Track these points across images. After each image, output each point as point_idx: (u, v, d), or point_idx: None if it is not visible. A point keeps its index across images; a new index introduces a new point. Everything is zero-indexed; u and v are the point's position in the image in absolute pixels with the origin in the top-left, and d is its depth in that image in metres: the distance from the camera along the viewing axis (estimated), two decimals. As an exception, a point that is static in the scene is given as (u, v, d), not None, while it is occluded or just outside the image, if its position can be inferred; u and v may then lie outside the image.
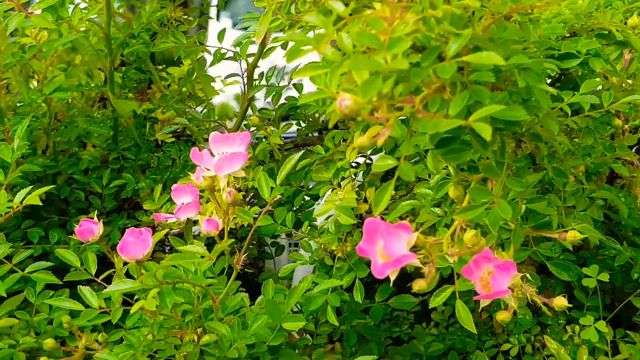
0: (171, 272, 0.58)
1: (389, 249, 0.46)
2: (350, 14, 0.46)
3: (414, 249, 0.46)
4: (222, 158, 0.59)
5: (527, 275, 0.63)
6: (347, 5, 0.46)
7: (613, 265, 0.77)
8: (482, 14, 0.48)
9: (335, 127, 0.70)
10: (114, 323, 0.69)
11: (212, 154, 0.60)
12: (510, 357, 0.75)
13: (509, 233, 0.54)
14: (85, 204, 0.83)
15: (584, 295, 0.78)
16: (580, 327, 0.74)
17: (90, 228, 0.64)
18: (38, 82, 0.86)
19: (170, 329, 0.62)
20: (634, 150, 0.74)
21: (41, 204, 0.71)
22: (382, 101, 0.38)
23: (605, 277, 0.74)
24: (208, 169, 0.59)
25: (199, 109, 0.98)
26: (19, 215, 0.84)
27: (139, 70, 0.83)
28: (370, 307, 0.87)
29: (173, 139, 0.91)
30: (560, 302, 0.55)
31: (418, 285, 0.51)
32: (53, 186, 0.75)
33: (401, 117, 0.42)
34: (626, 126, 0.69)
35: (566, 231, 0.54)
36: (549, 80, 0.64)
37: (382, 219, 0.44)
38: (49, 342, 0.67)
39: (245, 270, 0.88)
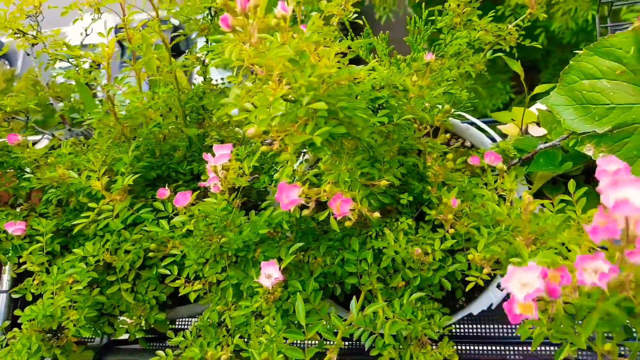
0: (203, 210, 0.61)
1: (288, 196, 0.47)
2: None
3: (303, 195, 0.52)
4: (217, 157, 0.66)
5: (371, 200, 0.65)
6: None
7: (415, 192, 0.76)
8: (326, 82, 0.53)
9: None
10: (175, 237, 0.74)
11: (214, 155, 0.67)
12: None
13: (358, 184, 0.56)
14: (176, 178, 0.91)
15: (401, 207, 0.75)
16: (399, 223, 0.72)
17: (185, 196, 0.69)
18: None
19: (206, 236, 0.61)
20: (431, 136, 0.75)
21: (132, 183, 0.75)
22: (273, 129, 0.45)
23: (410, 198, 0.73)
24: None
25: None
26: (142, 183, 0.88)
27: (197, 114, 0.85)
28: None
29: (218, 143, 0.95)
30: (377, 214, 0.53)
31: (305, 212, 0.59)
32: (138, 175, 0.79)
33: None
34: (421, 126, 0.70)
35: (381, 179, 0.56)
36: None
37: (288, 182, 0.50)
38: (152, 246, 0.66)
39: (258, 203, 0.92)
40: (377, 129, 0.64)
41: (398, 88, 0.61)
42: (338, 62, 0.55)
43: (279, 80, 0.50)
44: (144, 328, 0.86)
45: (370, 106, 0.65)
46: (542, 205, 0.65)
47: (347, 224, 0.59)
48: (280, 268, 0.66)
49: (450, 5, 0.83)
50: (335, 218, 0.61)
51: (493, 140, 0.93)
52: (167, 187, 0.70)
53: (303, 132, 0.50)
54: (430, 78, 0.83)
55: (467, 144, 1.00)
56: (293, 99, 0.52)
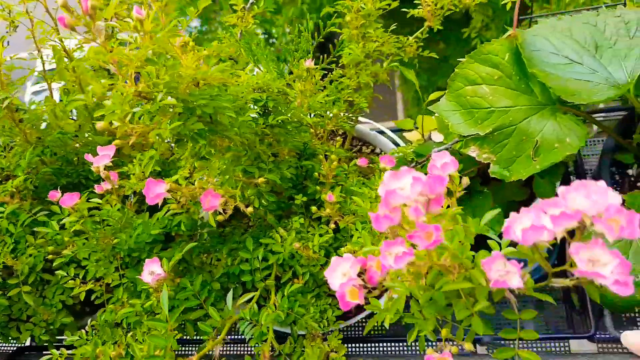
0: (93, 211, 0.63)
1: (153, 191, 0.49)
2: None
3: (171, 191, 0.53)
4: (98, 158, 0.66)
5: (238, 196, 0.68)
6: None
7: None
8: (185, 81, 0.54)
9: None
10: (66, 240, 0.73)
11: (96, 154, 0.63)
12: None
13: (232, 181, 0.57)
14: (87, 184, 0.90)
15: (297, 206, 0.76)
16: (292, 222, 0.74)
17: (72, 197, 0.68)
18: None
19: (100, 238, 0.61)
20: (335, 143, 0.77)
21: (33, 187, 0.79)
22: (123, 123, 0.46)
23: (304, 199, 0.74)
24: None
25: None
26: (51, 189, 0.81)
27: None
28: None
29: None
30: (250, 209, 0.54)
31: (171, 208, 0.62)
32: (24, 178, 0.72)
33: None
34: (320, 129, 0.71)
35: (261, 177, 0.58)
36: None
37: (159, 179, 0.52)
38: (49, 249, 0.64)
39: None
40: (259, 130, 0.66)
41: (273, 91, 0.64)
42: (199, 64, 0.58)
43: (135, 78, 0.53)
44: (53, 332, 0.86)
45: (255, 108, 0.67)
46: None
47: (219, 218, 0.61)
48: (169, 265, 0.67)
49: (347, 18, 0.87)
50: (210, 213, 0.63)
51: (398, 146, 0.97)
52: (58, 190, 0.70)
53: (159, 127, 0.53)
54: (330, 87, 0.87)
55: (378, 150, 1.04)
56: (150, 97, 0.55)
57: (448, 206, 0.60)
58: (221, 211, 0.61)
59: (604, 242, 0.39)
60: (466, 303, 0.47)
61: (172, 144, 0.59)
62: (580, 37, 0.79)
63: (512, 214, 0.41)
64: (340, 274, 0.45)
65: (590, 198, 0.37)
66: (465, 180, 0.55)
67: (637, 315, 0.90)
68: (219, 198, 0.60)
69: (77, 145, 0.96)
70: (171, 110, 0.52)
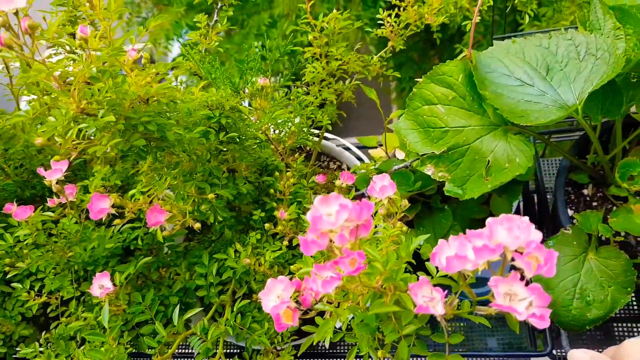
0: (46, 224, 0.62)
1: (97, 206, 0.49)
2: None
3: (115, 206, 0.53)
4: (51, 172, 0.64)
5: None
6: None
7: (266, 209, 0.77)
8: (131, 98, 0.54)
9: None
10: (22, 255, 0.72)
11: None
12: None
13: (180, 196, 0.56)
14: (50, 197, 0.87)
15: (255, 222, 0.75)
16: (249, 238, 0.71)
17: (25, 210, 0.67)
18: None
19: (56, 251, 0.61)
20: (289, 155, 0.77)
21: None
22: (64, 140, 0.45)
23: (262, 214, 0.74)
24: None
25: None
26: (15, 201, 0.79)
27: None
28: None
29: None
30: (198, 225, 0.54)
31: (115, 223, 0.56)
32: None
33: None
34: (280, 146, 0.71)
35: (212, 193, 0.57)
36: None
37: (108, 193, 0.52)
38: (7, 261, 0.64)
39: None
40: (212, 146, 0.66)
41: (226, 108, 0.64)
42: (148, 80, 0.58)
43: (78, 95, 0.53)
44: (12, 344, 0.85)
45: (211, 125, 0.68)
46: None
47: (165, 233, 0.61)
48: (121, 279, 0.67)
49: (310, 37, 0.88)
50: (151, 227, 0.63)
51: (363, 162, 0.97)
52: (14, 203, 0.69)
53: (100, 144, 0.53)
54: (294, 104, 0.87)
55: (344, 166, 1.04)
56: (92, 112, 0.55)
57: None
58: (167, 227, 0.61)
59: (524, 277, 0.39)
60: (395, 326, 0.47)
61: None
62: (533, 59, 0.80)
63: (441, 242, 0.41)
64: (275, 296, 0.45)
65: (512, 233, 0.37)
66: (405, 203, 0.55)
67: (599, 332, 0.90)
68: (165, 214, 0.60)
69: (43, 157, 0.96)
70: (113, 127, 0.53)
